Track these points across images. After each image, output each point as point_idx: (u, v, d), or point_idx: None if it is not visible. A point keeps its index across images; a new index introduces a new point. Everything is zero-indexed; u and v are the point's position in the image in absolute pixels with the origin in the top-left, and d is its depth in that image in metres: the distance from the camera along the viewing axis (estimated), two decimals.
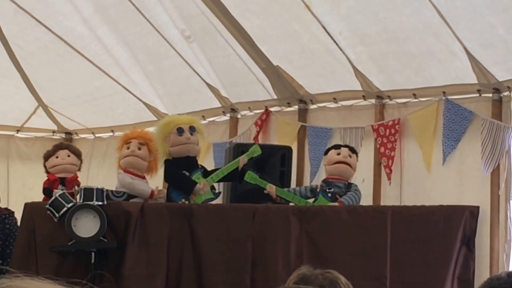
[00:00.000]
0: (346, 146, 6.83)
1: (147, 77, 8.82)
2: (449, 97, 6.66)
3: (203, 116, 8.68)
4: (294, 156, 7.53)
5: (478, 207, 6.24)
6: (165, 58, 8.34)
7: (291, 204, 6.56)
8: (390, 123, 7.06)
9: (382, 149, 7.07)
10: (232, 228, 6.02)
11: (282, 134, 7.87)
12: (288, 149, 7.44)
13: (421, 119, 6.87)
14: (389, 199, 6.97)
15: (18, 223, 6.40)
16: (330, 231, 6.07)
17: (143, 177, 6.71)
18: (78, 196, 6.10)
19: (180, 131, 6.42)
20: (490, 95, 6.46)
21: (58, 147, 7.26)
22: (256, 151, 6.66)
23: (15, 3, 8.29)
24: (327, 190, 6.58)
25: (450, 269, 6.05)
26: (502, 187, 6.36)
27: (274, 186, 6.64)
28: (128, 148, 6.66)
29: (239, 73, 7.96)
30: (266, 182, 6.69)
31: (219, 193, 6.71)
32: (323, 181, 6.71)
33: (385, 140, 7.06)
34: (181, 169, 6.43)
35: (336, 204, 6.47)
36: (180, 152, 6.42)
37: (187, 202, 6.33)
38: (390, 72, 7.01)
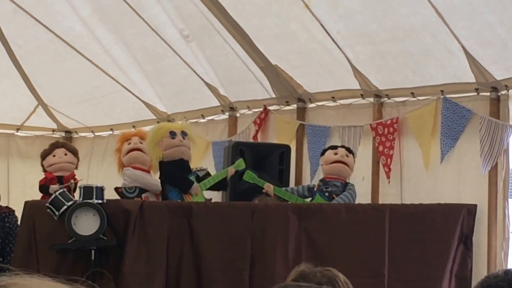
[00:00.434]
0: (342, 146, 6.86)
1: (146, 77, 8.84)
2: (447, 95, 6.67)
3: (202, 115, 8.71)
4: (292, 154, 7.55)
5: (475, 205, 6.27)
6: (163, 58, 8.35)
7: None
8: (389, 121, 7.08)
9: (380, 148, 7.09)
10: (231, 226, 6.04)
11: (280, 133, 7.89)
12: (287, 148, 7.46)
13: (420, 118, 6.88)
14: (389, 197, 6.98)
15: (19, 222, 6.42)
16: (329, 229, 6.09)
17: (149, 171, 6.78)
18: (76, 194, 6.13)
19: (172, 134, 6.47)
20: (488, 93, 6.47)
21: (55, 145, 7.29)
22: (240, 165, 6.80)
23: (15, 2, 8.30)
24: (324, 190, 6.62)
25: (448, 266, 6.08)
26: (500, 185, 6.38)
27: (272, 186, 6.70)
28: (129, 143, 6.75)
29: (237, 72, 7.98)
30: (264, 181, 6.74)
31: (210, 199, 6.73)
32: (321, 180, 6.75)
33: (383, 139, 7.07)
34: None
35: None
36: (174, 155, 6.45)
37: None
38: (388, 71, 7.02)
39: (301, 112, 7.85)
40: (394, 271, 6.02)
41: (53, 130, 10.14)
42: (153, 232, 5.96)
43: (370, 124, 7.18)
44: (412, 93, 6.96)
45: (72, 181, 6.75)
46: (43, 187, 6.91)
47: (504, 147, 6.31)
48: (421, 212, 6.20)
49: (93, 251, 5.82)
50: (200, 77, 8.40)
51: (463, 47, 6.29)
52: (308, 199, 6.70)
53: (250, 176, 6.74)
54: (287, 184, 7.22)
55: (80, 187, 6.10)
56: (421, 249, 6.07)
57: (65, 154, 7.16)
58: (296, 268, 3.14)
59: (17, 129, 10.00)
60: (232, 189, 7.10)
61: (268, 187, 6.69)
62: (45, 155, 7.18)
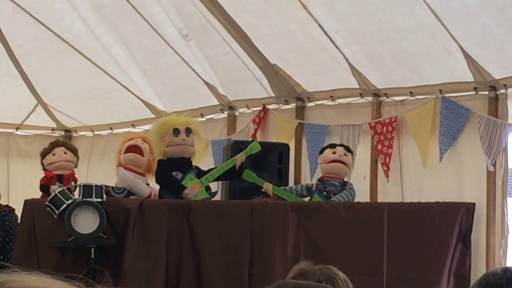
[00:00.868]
0: (341, 145, 6.87)
1: (145, 75, 8.85)
2: (446, 95, 6.68)
3: (201, 114, 8.72)
4: (291, 153, 7.56)
5: (474, 204, 6.28)
6: (163, 57, 8.36)
7: None
8: (387, 120, 7.09)
9: (379, 147, 7.10)
10: (231, 224, 6.05)
11: (279, 132, 7.90)
12: (286, 147, 7.47)
13: (418, 117, 6.88)
14: (391, 195, 6.99)
15: (19, 220, 6.44)
16: (328, 227, 6.10)
17: (143, 175, 6.76)
18: (76, 192, 6.14)
19: (176, 132, 6.45)
20: (487, 92, 6.48)
21: (55, 144, 7.30)
22: (255, 148, 6.66)
23: (14, 2, 8.30)
24: (322, 189, 6.63)
25: (447, 265, 6.09)
26: (499, 184, 6.39)
27: (270, 185, 6.71)
28: (130, 140, 6.79)
29: (236, 71, 7.99)
30: (264, 180, 6.75)
31: (215, 192, 6.72)
32: (319, 179, 6.76)
33: (382, 138, 7.08)
34: (174, 170, 6.45)
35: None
36: (175, 153, 6.45)
37: None
38: (386, 71, 7.03)
39: (300, 111, 7.86)
40: (392, 269, 6.03)
41: (53, 129, 10.15)
42: (153, 230, 5.98)
43: (369, 123, 7.19)
44: (411, 92, 6.97)
45: (72, 183, 6.77)
46: (44, 186, 6.92)
47: (502, 146, 6.32)
48: (419, 211, 6.21)
49: (92, 249, 5.83)
50: (199, 76, 8.41)
51: (460, 47, 6.30)
52: (307, 199, 6.71)
53: (249, 175, 6.75)
54: (286, 183, 7.24)
55: (79, 186, 6.12)
56: (419, 247, 6.08)
57: (65, 153, 7.17)
58: (296, 266, 3.16)
59: (17, 128, 10.01)
60: (231, 188, 7.11)
61: (267, 187, 6.70)
62: (45, 153, 7.19)
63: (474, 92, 6.55)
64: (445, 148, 6.63)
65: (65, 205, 5.90)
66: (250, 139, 7.96)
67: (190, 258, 5.97)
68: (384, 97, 7.23)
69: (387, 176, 7.03)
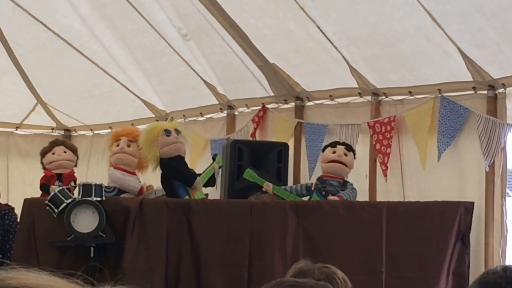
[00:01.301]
0: (343, 144, 6.87)
1: (144, 75, 8.85)
2: (445, 94, 6.68)
3: (200, 113, 8.73)
4: (290, 152, 7.57)
5: (473, 203, 6.28)
6: (162, 56, 8.37)
7: None
8: (386, 120, 7.09)
9: (378, 146, 7.10)
10: (230, 223, 6.06)
11: (279, 131, 7.91)
12: (285, 146, 7.47)
13: (417, 116, 6.89)
14: (392, 194, 6.99)
15: (18, 219, 6.45)
16: (327, 226, 6.11)
17: (134, 173, 6.77)
18: (76, 192, 6.16)
19: (167, 132, 6.48)
20: (485, 92, 6.48)
21: (54, 143, 7.31)
22: (219, 162, 6.88)
23: (14, 1, 8.31)
24: (321, 188, 6.65)
25: (445, 264, 6.10)
26: (498, 183, 6.39)
27: (271, 185, 6.73)
28: (118, 145, 6.74)
29: (236, 70, 7.99)
30: (264, 180, 6.77)
31: (207, 195, 6.76)
32: (318, 179, 6.78)
33: (380, 137, 7.09)
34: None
35: (336, 198, 6.53)
36: (171, 152, 6.46)
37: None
38: (384, 71, 7.04)
39: (299, 111, 7.87)
40: (391, 268, 6.04)
41: (52, 129, 10.16)
42: (152, 229, 5.99)
43: (368, 122, 7.19)
44: (410, 92, 6.97)
45: (72, 183, 6.78)
46: (44, 186, 6.93)
47: (501, 145, 6.32)
48: (418, 210, 6.22)
49: (92, 248, 5.84)
50: (199, 76, 8.41)
51: (458, 48, 6.29)
52: (306, 198, 6.73)
53: (250, 175, 6.78)
54: (285, 182, 7.24)
55: (79, 185, 6.13)
56: (418, 246, 6.09)
57: (65, 152, 7.19)
58: (295, 265, 3.18)
59: (17, 128, 10.02)
60: (230, 186, 7.13)
61: (268, 186, 6.73)
62: (45, 152, 7.21)
63: (473, 92, 6.55)
64: (443, 148, 6.63)
65: (64, 204, 5.91)
66: (250, 138, 7.98)
67: (189, 257, 5.98)
68: (383, 97, 7.24)
69: (385, 175, 7.03)
